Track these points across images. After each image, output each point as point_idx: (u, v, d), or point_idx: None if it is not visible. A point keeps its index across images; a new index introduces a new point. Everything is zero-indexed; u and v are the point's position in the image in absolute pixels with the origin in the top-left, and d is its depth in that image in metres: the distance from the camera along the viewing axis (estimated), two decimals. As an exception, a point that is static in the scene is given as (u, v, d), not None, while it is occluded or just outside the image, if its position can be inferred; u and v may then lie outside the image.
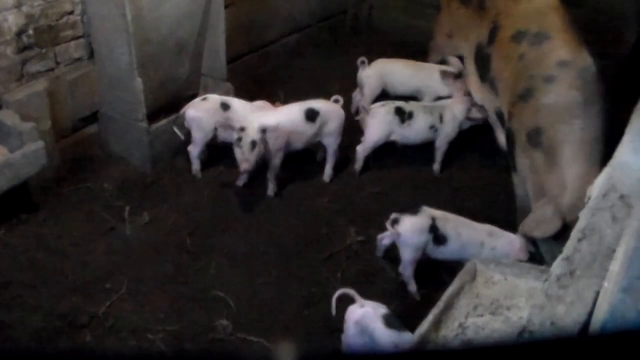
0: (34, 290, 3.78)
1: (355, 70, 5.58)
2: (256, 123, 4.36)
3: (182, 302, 3.82)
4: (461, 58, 5.13)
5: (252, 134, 4.32)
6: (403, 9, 7.09)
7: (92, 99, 4.78)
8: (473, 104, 4.88)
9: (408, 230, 3.87)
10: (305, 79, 6.16)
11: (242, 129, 4.34)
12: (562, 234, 3.37)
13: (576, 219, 2.49)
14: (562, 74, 3.84)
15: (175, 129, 4.74)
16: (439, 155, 4.98)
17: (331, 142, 4.81)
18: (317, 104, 4.76)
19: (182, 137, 4.76)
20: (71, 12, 4.55)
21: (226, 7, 5.20)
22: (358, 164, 4.94)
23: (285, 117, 4.62)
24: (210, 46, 5.23)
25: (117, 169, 4.78)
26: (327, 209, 4.62)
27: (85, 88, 4.71)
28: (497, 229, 3.93)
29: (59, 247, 4.07)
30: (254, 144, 4.32)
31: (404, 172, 5.02)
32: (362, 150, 4.91)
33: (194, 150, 4.78)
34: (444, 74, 5.13)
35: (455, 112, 4.92)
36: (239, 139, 4.33)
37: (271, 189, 4.67)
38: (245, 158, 4.34)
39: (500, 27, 4.36)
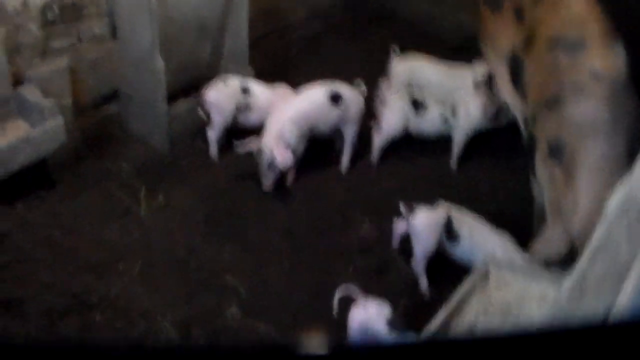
0: (48, 267, 3.82)
1: (376, 57, 5.55)
2: (271, 146, 4.34)
3: (193, 287, 3.85)
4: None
5: (268, 155, 4.35)
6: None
7: (113, 77, 4.78)
8: (488, 99, 4.82)
9: (421, 222, 3.88)
10: (326, 64, 6.11)
11: (260, 151, 4.36)
12: (570, 259, 3.31)
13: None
14: (593, 86, 3.69)
15: (200, 111, 4.74)
16: (455, 150, 4.93)
17: (350, 131, 4.78)
18: (340, 87, 4.75)
19: (206, 119, 4.75)
20: (96, -10, 4.55)
21: (250, -11, 5.17)
22: (375, 155, 4.92)
23: (307, 103, 4.61)
24: (232, 29, 5.20)
25: (135, 149, 4.79)
26: (342, 200, 4.61)
27: (106, 66, 4.71)
28: (511, 244, 3.90)
29: (74, 226, 4.11)
30: (270, 165, 4.37)
31: (422, 167, 4.97)
32: (378, 140, 4.89)
33: (213, 133, 4.77)
34: (478, 85, 4.92)
35: (470, 107, 4.86)
36: (259, 160, 4.39)
37: (290, 179, 4.64)
38: (264, 178, 4.43)
39: (537, 34, 4.19)
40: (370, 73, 5.54)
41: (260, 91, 4.84)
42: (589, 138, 3.59)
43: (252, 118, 4.82)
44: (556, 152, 3.70)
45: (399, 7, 7.21)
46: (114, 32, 4.72)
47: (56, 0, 4.34)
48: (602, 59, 3.75)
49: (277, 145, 4.35)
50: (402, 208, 3.94)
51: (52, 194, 4.29)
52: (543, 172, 3.88)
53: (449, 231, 3.90)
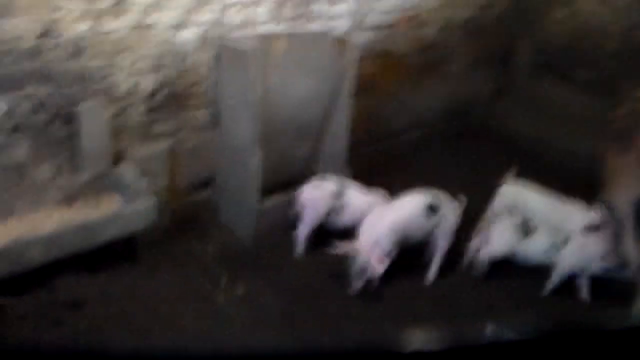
0: (120, 341, 3.80)
1: (472, 172, 5.46)
2: (369, 252, 4.27)
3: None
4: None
5: (362, 261, 4.29)
6: (532, 117, 6.96)
7: (210, 165, 4.91)
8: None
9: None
10: (424, 175, 6.08)
11: (354, 256, 4.31)
12: None
13: None
14: None
15: (291, 210, 4.76)
16: (553, 278, 4.64)
17: (442, 242, 4.70)
18: (439, 196, 4.69)
19: (293, 214, 4.76)
20: (203, 82, 4.73)
21: (354, 95, 5.26)
22: (478, 269, 4.79)
23: (406, 210, 4.54)
24: (333, 132, 5.28)
25: (222, 237, 4.85)
26: (423, 311, 4.44)
27: (204, 154, 4.86)
28: None
29: (151, 303, 4.10)
30: (363, 271, 4.32)
31: (511, 289, 4.78)
32: (483, 256, 4.76)
33: (302, 231, 4.76)
34: (589, 228, 4.66)
35: (584, 248, 4.57)
36: (351, 264, 4.34)
37: (375, 284, 4.48)
38: (353, 281, 4.39)
39: None
40: (469, 189, 5.46)
41: (355, 195, 4.83)
42: None
43: (343, 220, 4.79)
44: None
45: (505, 125, 7.19)
46: (214, 122, 4.88)
47: (164, 87, 4.54)
48: None
49: (373, 252, 4.27)
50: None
51: (135, 270, 4.34)
52: None
53: None
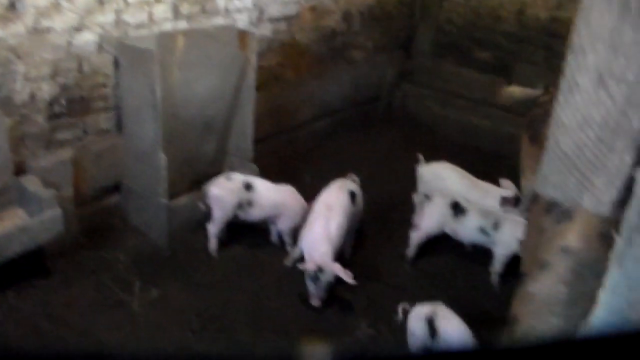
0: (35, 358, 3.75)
1: (384, 156, 5.56)
2: (332, 265, 4.30)
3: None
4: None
5: (329, 276, 4.32)
6: (436, 99, 7.15)
7: (116, 170, 4.85)
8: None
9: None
10: (333, 163, 6.18)
11: (320, 270, 4.31)
12: None
13: None
14: (559, 262, 3.19)
15: (202, 206, 4.76)
16: (496, 267, 4.79)
17: (355, 222, 4.85)
18: (351, 185, 4.83)
19: (204, 209, 4.76)
20: (104, 85, 4.66)
21: (257, 89, 5.27)
22: (410, 252, 4.97)
23: (342, 213, 4.58)
24: (238, 126, 5.30)
25: (134, 241, 4.81)
26: (339, 298, 4.55)
27: (110, 159, 4.78)
28: None
29: (64, 317, 4.06)
30: (329, 284, 4.36)
31: (423, 265, 4.97)
32: (415, 238, 4.95)
33: (213, 228, 4.78)
34: (504, 200, 4.86)
35: (516, 228, 4.56)
36: (316, 278, 4.34)
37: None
38: (318, 295, 4.40)
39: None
40: (378, 172, 5.59)
41: (263, 188, 4.86)
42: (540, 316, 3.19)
43: (253, 215, 4.83)
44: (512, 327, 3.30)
45: (410, 108, 7.36)
46: (119, 126, 4.81)
47: (64, 93, 4.44)
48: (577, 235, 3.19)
49: (338, 266, 4.29)
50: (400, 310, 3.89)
51: (45, 283, 4.27)
52: None
53: None
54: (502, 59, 6.89)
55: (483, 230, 4.76)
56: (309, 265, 4.32)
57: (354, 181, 4.95)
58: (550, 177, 2.37)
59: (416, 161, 5.42)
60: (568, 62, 2.18)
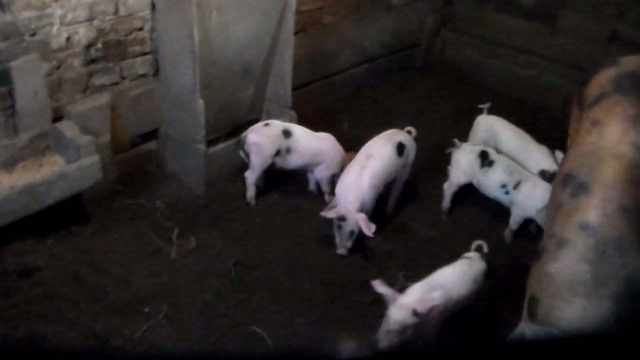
0: (75, 305, 3.75)
1: (422, 105, 5.43)
2: (355, 214, 4.23)
3: (219, 334, 3.73)
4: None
5: (352, 225, 4.26)
6: (476, 46, 6.96)
7: (153, 116, 4.77)
8: None
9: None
10: (371, 111, 6.08)
11: (343, 219, 4.25)
12: None
13: None
14: (578, 239, 3.06)
15: (242, 153, 4.70)
16: (511, 227, 4.69)
17: (403, 176, 4.77)
18: (398, 135, 4.69)
19: (246, 159, 4.70)
20: (140, 29, 4.56)
21: (296, 33, 5.14)
22: (445, 204, 4.92)
23: (380, 162, 4.48)
24: (277, 72, 5.18)
25: (171, 188, 4.76)
26: (378, 250, 4.49)
27: (147, 105, 4.71)
28: None
29: (103, 264, 4.05)
30: (352, 233, 4.29)
31: (462, 219, 4.87)
32: (447, 189, 4.89)
33: (251, 176, 4.70)
34: (542, 174, 4.65)
35: (532, 192, 4.52)
36: (339, 227, 4.29)
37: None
38: (343, 244, 4.35)
39: (562, 164, 3.69)
40: (419, 121, 5.47)
41: (302, 135, 4.77)
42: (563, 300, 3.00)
43: (291, 162, 4.75)
44: (531, 308, 3.13)
45: (450, 56, 7.18)
46: (157, 71, 4.73)
47: (101, 37, 4.35)
48: (597, 211, 3.09)
49: (361, 217, 4.22)
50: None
51: (84, 230, 4.25)
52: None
53: None
54: (546, 5, 6.64)
55: (504, 187, 4.62)
56: (329, 213, 4.27)
57: (409, 132, 4.81)
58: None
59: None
60: None
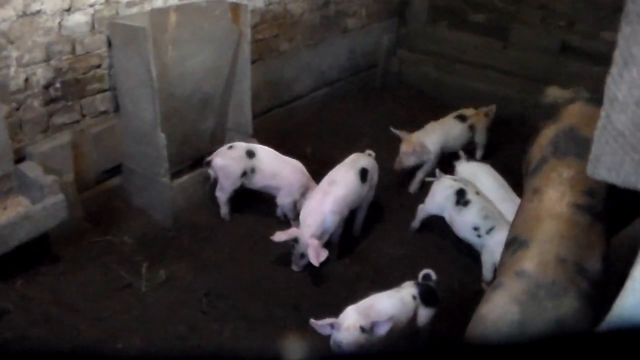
0: (47, 346, 3.72)
1: (383, 125, 5.49)
2: (307, 239, 4.28)
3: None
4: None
5: (303, 248, 4.33)
6: (433, 64, 7.09)
7: (116, 152, 4.79)
8: None
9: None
10: (333, 134, 6.15)
11: (296, 241, 4.34)
12: None
13: None
14: (512, 283, 3.15)
15: (210, 171, 4.80)
16: (484, 271, 4.51)
17: (368, 197, 4.82)
18: (361, 160, 4.75)
19: (213, 178, 4.81)
20: (98, 66, 4.58)
21: (253, 62, 5.21)
22: (415, 223, 4.96)
23: (343, 188, 4.53)
24: (236, 101, 5.24)
25: (138, 222, 4.77)
26: (347, 272, 4.53)
27: (109, 141, 4.72)
28: None
29: (74, 302, 4.02)
30: (302, 255, 4.37)
31: (428, 236, 4.93)
32: (420, 210, 4.92)
33: (223, 195, 4.82)
34: None
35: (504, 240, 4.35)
36: (292, 247, 4.39)
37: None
38: (296, 262, 4.45)
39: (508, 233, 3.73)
40: (379, 141, 5.55)
41: (266, 156, 4.87)
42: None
43: (256, 181, 4.85)
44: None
45: (407, 75, 7.29)
46: (117, 107, 4.75)
47: (59, 77, 4.37)
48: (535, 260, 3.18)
49: (313, 243, 4.26)
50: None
51: (53, 269, 4.23)
52: None
53: None
54: (497, 20, 6.81)
55: (477, 230, 4.51)
56: (277, 235, 4.34)
57: (370, 155, 4.88)
58: (603, 159, 2.24)
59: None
60: (622, 31, 2.03)
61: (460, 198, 4.61)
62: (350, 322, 3.40)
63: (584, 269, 3.14)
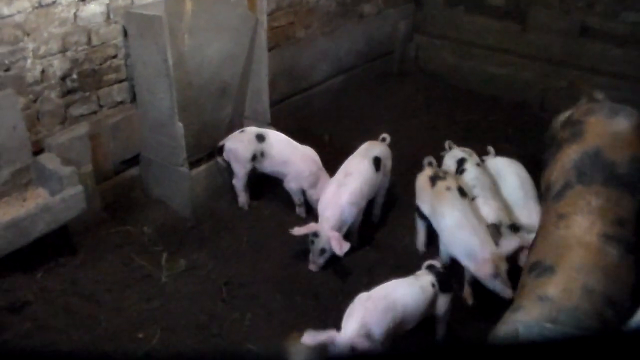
0: (68, 337, 3.73)
1: (400, 111, 5.44)
2: (328, 232, 4.23)
3: (214, 355, 3.73)
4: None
5: (323, 242, 4.27)
6: (450, 49, 7.01)
7: (134, 142, 4.78)
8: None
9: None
10: (351, 121, 6.11)
11: (316, 235, 4.27)
12: None
13: None
14: (533, 306, 3.18)
15: (221, 161, 4.82)
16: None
17: (384, 183, 4.77)
18: (375, 148, 4.68)
19: (224, 165, 4.82)
20: (115, 56, 4.57)
21: (270, 49, 5.17)
22: None
23: (358, 179, 4.47)
24: (253, 89, 5.21)
25: (157, 212, 4.77)
26: (367, 259, 4.50)
27: (127, 131, 4.72)
28: None
29: (94, 293, 4.03)
30: (323, 251, 4.31)
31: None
32: None
33: (238, 182, 4.82)
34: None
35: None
36: (312, 242, 4.31)
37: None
38: (314, 261, 4.37)
39: (529, 256, 3.74)
40: (396, 127, 5.50)
41: (276, 140, 4.84)
42: None
43: (266, 165, 4.83)
44: None
45: (424, 61, 7.23)
46: (134, 96, 4.74)
47: (76, 68, 4.36)
48: (560, 288, 3.21)
49: (334, 235, 4.21)
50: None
51: (73, 261, 4.24)
52: None
53: None
54: (515, 3, 6.71)
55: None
56: (296, 230, 4.26)
57: (384, 140, 4.82)
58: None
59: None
60: None
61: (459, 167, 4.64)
62: (345, 341, 3.32)
63: (612, 302, 3.14)
